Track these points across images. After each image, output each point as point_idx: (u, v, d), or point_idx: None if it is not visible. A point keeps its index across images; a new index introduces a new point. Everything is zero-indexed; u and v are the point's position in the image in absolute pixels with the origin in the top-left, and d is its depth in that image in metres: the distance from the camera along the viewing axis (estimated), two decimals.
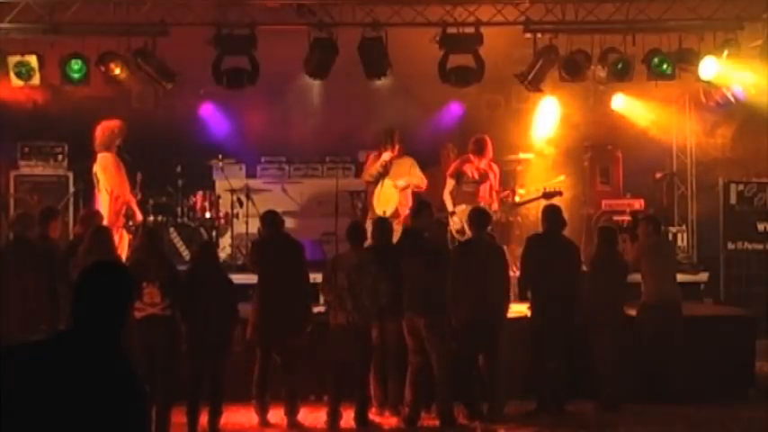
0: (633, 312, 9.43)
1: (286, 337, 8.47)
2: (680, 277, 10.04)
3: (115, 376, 3.10)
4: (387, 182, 11.07)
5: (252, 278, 8.96)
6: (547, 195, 11.12)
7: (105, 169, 10.14)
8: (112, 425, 3.03)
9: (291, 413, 8.45)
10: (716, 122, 12.85)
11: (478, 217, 9.22)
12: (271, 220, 8.93)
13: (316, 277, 9.16)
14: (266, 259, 8.73)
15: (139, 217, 10.50)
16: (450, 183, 11.15)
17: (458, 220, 10.91)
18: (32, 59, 10.43)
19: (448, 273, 8.54)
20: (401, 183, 11.04)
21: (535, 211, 11.78)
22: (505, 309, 8.86)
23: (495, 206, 11.14)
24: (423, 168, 11.61)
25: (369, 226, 9.81)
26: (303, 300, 8.64)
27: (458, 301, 8.52)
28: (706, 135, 13.08)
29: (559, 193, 11.25)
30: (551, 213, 9.33)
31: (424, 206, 9.46)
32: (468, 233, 10.53)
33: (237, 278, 9.05)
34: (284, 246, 8.72)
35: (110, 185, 10.10)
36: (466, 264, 8.70)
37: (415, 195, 11.15)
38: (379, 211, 10.79)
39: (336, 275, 8.57)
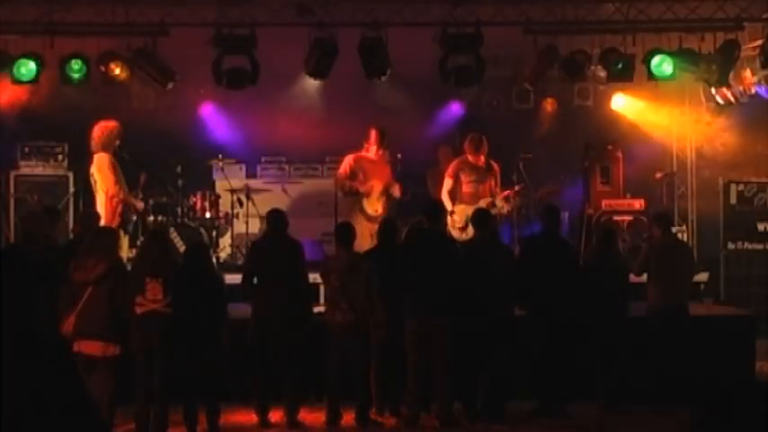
0: (639, 313, 9.41)
1: (285, 337, 8.47)
2: None
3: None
4: (378, 183, 11.06)
5: None
6: (546, 193, 11.19)
7: (101, 170, 10.16)
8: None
9: (291, 413, 8.45)
10: (716, 122, 12.85)
11: (480, 217, 9.22)
12: (271, 219, 8.94)
13: (315, 277, 9.18)
14: (263, 259, 8.74)
15: (140, 205, 10.47)
16: (449, 182, 11.13)
17: (458, 218, 10.90)
18: (32, 59, 10.43)
19: (455, 273, 8.54)
20: (397, 193, 11.11)
21: (534, 211, 11.80)
22: (511, 309, 8.88)
23: (499, 203, 11.14)
24: (422, 169, 11.62)
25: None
26: (302, 299, 8.64)
27: (463, 301, 8.52)
28: (706, 135, 13.08)
29: (557, 192, 11.29)
30: (549, 213, 9.34)
31: (440, 208, 9.42)
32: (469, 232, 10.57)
33: (237, 278, 9.05)
34: (281, 246, 8.72)
35: (105, 186, 10.12)
36: (471, 264, 8.70)
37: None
38: (371, 211, 10.78)
39: (329, 276, 8.60)
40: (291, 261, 8.63)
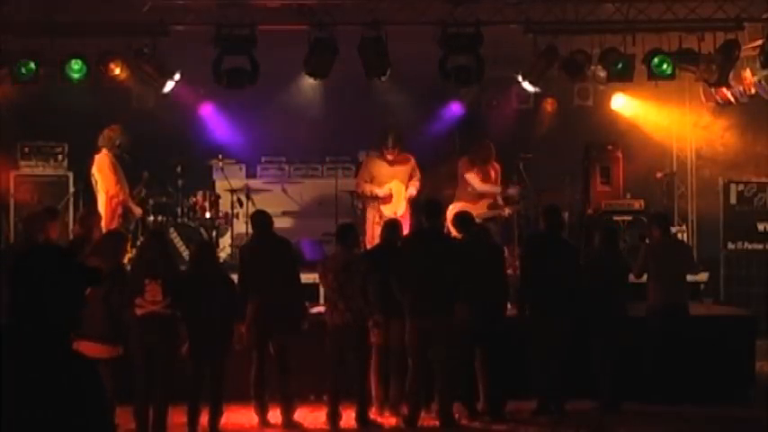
0: (639, 313, 9.42)
1: (281, 337, 8.47)
2: None
3: (66, 370, 3.03)
4: (397, 184, 11.09)
5: None
6: (545, 195, 11.26)
7: (101, 169, 10.22)
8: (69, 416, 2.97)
9: (288, 413, 8.45)
10: (716, 122, 12.85)
11: (460, 221, 9.26)
12: (257, 221, 8.96)
13: (316, 277, 9.19)
14: (252, 261, 8.73)
15: (137, 211, 10.52)
16: (472, 176, 11.15)
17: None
18: (32, 59, 10.43)
19: (454, 273, 8.52)
20: (413, 192, 11.11)
21: (534, 211, 11.79)
22: (504, 307, 8.90)
23: (499, 202, 11.17)
24: (422, 169, 11.62)
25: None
26: (296, 298, 8.64)
27: (460, 301, 8.52)
28: (706, 135, 13.08)
29: (557, 193, 11.36)
30: (551, 213, 9.34)
31: (439, 207, 9.43)
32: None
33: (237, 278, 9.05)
34: (270, 246, 8.73)
35: (106, 186, 10.16)
36: (466, 263, 8.69)
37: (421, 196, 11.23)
38: (389, 213, 10.78)
39: (327, 276, 8.62)
40: (281, 260, 8.64)
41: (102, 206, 10.24)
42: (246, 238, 12.04)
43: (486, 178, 11.18)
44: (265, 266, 8.58)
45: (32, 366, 3.00)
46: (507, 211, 11.22)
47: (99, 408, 3.09)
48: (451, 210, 10.77)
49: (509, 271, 9.83)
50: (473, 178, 11.16)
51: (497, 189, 11.04)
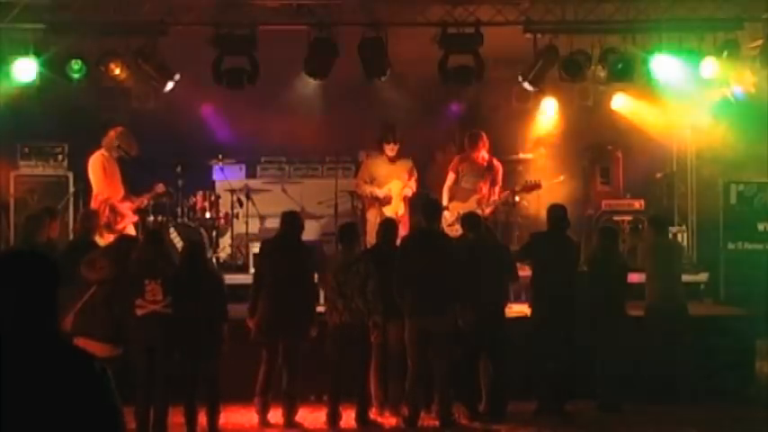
0: (637, 312, 9.43)
1: (291, 338, 8.47)
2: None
3: (65, 365, 3.03)
4: (397, 184, 11.09)
5: (250, 278, 8.96)
6: (526, 189, 11.25)
7: (92, 168, 10.26)
8: (76, 413, 2.97)
9: (290, 413, 8.46)
10: (716, 122, 12.83)
11: (469, 221, 9.27)
12: (288, 219, 8.92)
13: (315, 277, 9.18)
14: (272, 258, 8.73)
15: (127, 214, 10.50)
16: (451, 177, 11.18)
17: (448, 215, 10.87)
18: (33, 59, 10.43)
19: (454, 273, 8.52)
20: (408, 192, 11.13)
21: (535, 211, 11.80)
22: (504, 307, 8.92)
23: (496, 198, 11.17)
24: (422, 168, 11.63)
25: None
26: (308, 300, 8.63)
27: (462, 301, 8.52)
28: (706, 135, 13.06)
29: (538, 186, 11.36)
30: (555, 212, 9.33)
31: (438, 207, 9.43)
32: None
33: (237, 278, 9.06)
34: (289, 247, 8.72)
35: (93, 184, 10.19)
36: (468, 264, 8.69)
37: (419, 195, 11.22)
38: (390, 214, 10.78)
39: (326, 277, 8.62)
40: (300, 265, 8.61)
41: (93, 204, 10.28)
42: (247, 237, 12.08)
43: (479, 174, 11.16)
44: (283, 268, 8.55)
45: (34, 370, 3.00)
46: (488, 211, 11.22)
47: (108, 410, 3.09)
48: (452, 206, 10.81)
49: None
50: (448, 179, 11.18)
51: (444, 203, 10.96)
